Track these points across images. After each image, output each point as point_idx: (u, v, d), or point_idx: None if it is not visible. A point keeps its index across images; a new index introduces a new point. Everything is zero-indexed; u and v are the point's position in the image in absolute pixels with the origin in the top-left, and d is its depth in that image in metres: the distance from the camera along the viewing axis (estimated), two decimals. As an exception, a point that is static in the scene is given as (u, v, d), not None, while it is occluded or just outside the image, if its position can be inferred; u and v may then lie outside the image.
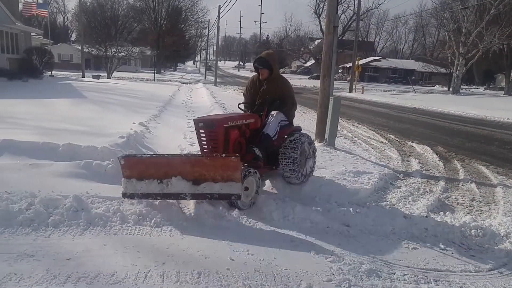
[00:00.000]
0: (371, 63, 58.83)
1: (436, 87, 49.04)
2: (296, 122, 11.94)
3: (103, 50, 32.47)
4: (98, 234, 3.42)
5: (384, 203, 4.88)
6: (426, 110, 19.16)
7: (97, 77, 26.42)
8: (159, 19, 54.98)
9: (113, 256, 3.05)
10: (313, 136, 8.29)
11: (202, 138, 4.47)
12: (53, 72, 23.94)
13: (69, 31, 72.34)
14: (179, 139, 7.87)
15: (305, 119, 12.67)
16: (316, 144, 7.63)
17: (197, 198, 3.84)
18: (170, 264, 2.99)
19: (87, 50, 32.87)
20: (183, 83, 31.68)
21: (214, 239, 3.46)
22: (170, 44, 50.87)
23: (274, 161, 4.85)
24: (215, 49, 46.36)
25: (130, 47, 37.30)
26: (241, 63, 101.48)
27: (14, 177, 4.37)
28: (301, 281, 2.90)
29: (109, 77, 28.78)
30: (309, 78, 56.88)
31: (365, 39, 72.48)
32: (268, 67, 4.94)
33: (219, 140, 4.35)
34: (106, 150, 5.29)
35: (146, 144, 6.86)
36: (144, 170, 3.96)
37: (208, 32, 53.05)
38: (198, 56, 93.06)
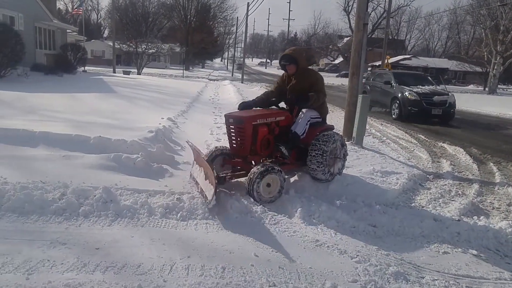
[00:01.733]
0: (401, 62, 57.13)
1: (471, 87, 47.11)
2: (324, 120, 11.88)
3: (133, 46, 33.13)
4: (126, 225, 3.50)
5: (413, 204, 4.75)
6: (459, 110, 18.32)
7: (128, 73, 26.99)
8: (189, 16, 55.59)
9: (139, 247, 3.10)
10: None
11: (231, 133, 4.59)
12: (86, 68, 24.65)
13: (101, 28, 74.33)
14: (206, 134, 7.95)
15: (332, 118, 12.47)
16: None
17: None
18: (195, 257, 3.02)
19: (119, 46, 33.62)
20: (210, 80, 31.93)
21: (238, 235, 3.47)
22: (199, 41, 51.37)
23: (303, 158, 4.82)
24: (242, 46, 46.51)
25: (159, 43, 37.87)
26: (268, 60, 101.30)
27: (48, 167, 4.53)
28: (325, 280, 2.86)
29: (139, 73, 29.37)
30: (337, 76, 56.11)
31: (396, 37, 70.68)
32: (294, 62, 4.84)
33: (246, 136, 4.44)
34: (135, 144, 5.40)
35: (174, 138, 6.96)
36: None
37: (236, 30, 53.30)
38: (226, 54, 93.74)
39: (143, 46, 32.43)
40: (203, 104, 13.48)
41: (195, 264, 2.92)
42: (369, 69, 59.26)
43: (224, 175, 4.47)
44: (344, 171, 5.40)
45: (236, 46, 64.93)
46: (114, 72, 27.74)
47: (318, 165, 4.68)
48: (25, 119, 6.73)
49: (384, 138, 9.14)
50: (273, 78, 43.96)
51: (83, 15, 32.57)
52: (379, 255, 3.35)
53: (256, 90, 21.47)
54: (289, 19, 75.93)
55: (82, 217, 3.56)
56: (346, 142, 7.38)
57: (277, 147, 4.66)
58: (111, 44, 32.41)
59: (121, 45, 34.31)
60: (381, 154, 6.93)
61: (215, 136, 7.85)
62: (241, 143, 4.50)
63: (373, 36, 50.94)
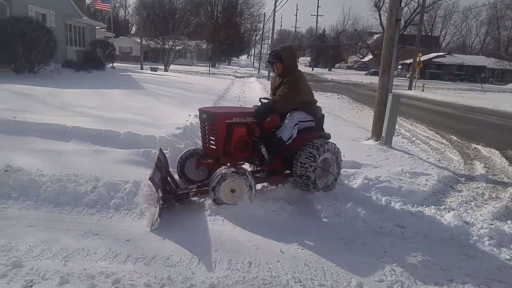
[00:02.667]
0: (434, 59, 55.34)
1: (510, 86, 45.04)
2: (352, 119, 11.73)
3: (160, 43, 33.64)
4: (155, 219, 3.59)
5: (443, 206, 4.64)
6: (496, 111, 17.70)
7: (155, 70, 27.46)
8: (215, 13, 55.96)
9: (169, 240, 3.18)
10: (369, 134, 8.09)
11: (204, 131, 4.25)
12: (114, 64, 25.25)
13: (129, 24, 75.80)
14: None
15: (360, 116, 12.36)
16: (372, 142, 7.44)
17: None
18: (222, 251, 3.07)
19: (146, 43, 34.19)
20: (236, 77, 32.08)
21: (265, 231, 3.50)
22: (225, 37, 51.63)
23: (290, 164, 4.41)
24: (269, 43, 46.39)
25: (186, 40, 38.30)
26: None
27: (80, 161, 4.69)
28: (351, 279, 2.86)
29: (166, 70, 29.81)
30: (366, 74, 55.19)
31: (429, 34, 68.71)
32: (280, 60, 4.38)
33: (219, 135, 4.06)
34: (163, 140, 5.51)
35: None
36: None
37: (263, 26, 53.22)
38: (252, 50, 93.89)
39: (170, 43, 32.86)
40: (229, 102, 13.56)
41: (222, 258, 2.98)
42: (399, 67, 57.99)
43: (186, 191, 4.02)
44: (372, 171, 5.34)
45: (263, 42, 64.82)
46: (142, 68, 28.27)
47: (301, 175, 4.25)
48: (57, 114, 6.98)
49: (414, 138, 8.95)
50: (298, 75, 43.70)
51: (111, 11, 33.25)
52: (407, 256, 3.30)
53: (281, 88, 21.44)
54: (317, 15, 74.72)
55: (113, 210, 3.69)
56: (375, 142, 7.36)
57: (257, 145, 4.19)
58: (139, 40, 33.02)
59: (148, 41, 34.90)
60: (410, 155, 6.80)
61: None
62: (213, 142, 4.12)
63: (405, 32, 49.53)
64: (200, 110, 4.26)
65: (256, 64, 59.40)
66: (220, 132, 4.06)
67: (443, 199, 4.89)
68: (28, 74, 13.85)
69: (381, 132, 7.40)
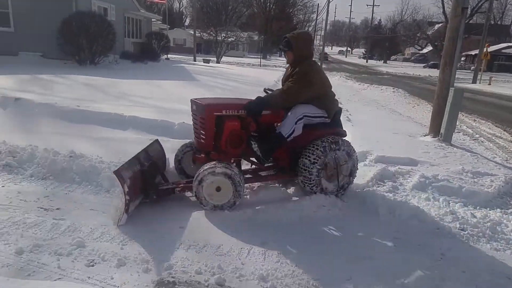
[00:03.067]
0: (504, 50, 50.73)
1: None
2: (408, 114, 11.21)
3: (213, 35, 34.17)
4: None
5: (510, 210, 4.29)
6: None
7: (207, 61, 27.98)
8: (268, 4, 55.78)
9: (219, 230, 3.22)
10: (426, 130, 7.69)
11: (194, 123, 4.03)
12: (169, 55, 26.02)
13: (183, 16, 77.76)
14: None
15: (417, 111, 11.80)
16: (429, 138, 7.06)
17: None
18: (271, 243, 3.06)
19: (199, 34, 34.88)
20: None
21: (314, 226, 3.44)
22: (278, 29, 51.30)
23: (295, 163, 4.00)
24: (322, 34, 45.50)
25: (238, 32, 38.59)
26: (348, 48, 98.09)
27: (137, 149, 4.86)
28: (405, 281, 2.72)
29: (218, 62, 30.30)
30: (424, 67, 52.43)
31: (499, 22, 63.71)
32: (291, 48, 3.93)
33: (207, 129, 3.78)
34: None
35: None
36: None
37: (317, 17, 52.27)
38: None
39: (222, 35, 33.28)
40: (280, 93, 13.50)
41: (272, 250, 2.96)
42: (462, 59, 54.22)
43: (171, 187, 3.78)
44: (429, 169, 5.06)
45: (316, 33, 63.67)
46: (195, 60, 28.93)
47: (304, 177, 3.87)
48: (115, 104, 7.33)
49: (477, 135, 8.37)
50: (354, 67, 42.60)
51: (166, 4, 34.26)
52: (468, 261, 3.09)
53: (335, 80, 20.99)
54: (373, 5, 72.00)
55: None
56: (432, 139, 6.97)
57: (249, 142, 3.83)
58: (192, 32, 33.75)
59: (201, 33, 35.55)
60: (473, 153, 6.35)
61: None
62: (202, 136, 3.85)
63: (470, 21, 46.14)
64: (191, 100, 3.99)
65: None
66: (208, 125, 3.76)
67: (511, 202, 4.52)
68: (90, 65, 14.65)
69: (440, 128, 6.99)
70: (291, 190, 4.21)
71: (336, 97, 4.19)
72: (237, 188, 3.52)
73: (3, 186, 3.76)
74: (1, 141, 4.69)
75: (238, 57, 44.89)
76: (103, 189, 3.90)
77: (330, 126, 4.06)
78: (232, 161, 4.03)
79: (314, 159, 3.80)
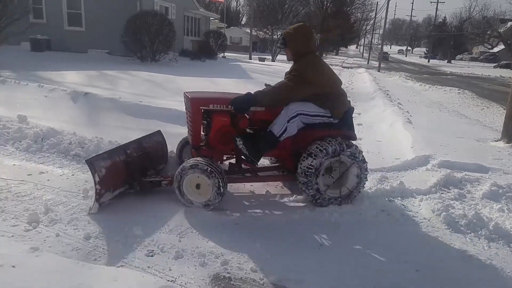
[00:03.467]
0: None
1: None
2: (476, 117, 10.47)
3: (269, 33, 34.24)
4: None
5: None
6: None
7: (263, 60, 28.11)
8: (325, 2, 54.87)
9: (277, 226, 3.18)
10: (498, 135, 7.14)
11: (187, 117, 3.93)
12: (225, 54, 26.46)
13: (240, 15, 78.76)
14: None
15: (487, 114, 11.00)
16: (502, 144, 6.53)
17: None
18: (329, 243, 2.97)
19: (255, 33, 35.13)
20: (344, 67, 31.14)
21: (369, 231, 3.31)
22: (334, 27, 50.41)
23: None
24: (381, 32, 43.94)
25: (294, 30, 38.31)
26: (408, 47, 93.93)
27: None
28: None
29: (273, 60, 30.32)
30: (494, 67, 48.78)
31: None
32: (286, 45, 3.67)
33: (194, 123, 3.68)
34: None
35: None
36: None
37: (375, 15, 50.60)
38: (362, 40, 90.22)
39: (278, 33, 33.25)
40: (336, 92, 13.22)
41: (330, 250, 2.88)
42: (537, 58, 49.66)
43: (158, 180, 3.67)
44: (502, 177, 4.67)
45: (374, 32, 61.70)
46: (250, 58, 29.13)
47: (299, 181, 3.60)
48: (175, 100, 7.54)
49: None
50: (414, 67, 40.73)
51: (224, 3, 34.89)
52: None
53: (395, 80, 20.18)
54: (437, 1, 68.37)
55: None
56: (506, 144, 6.42)
57: (234, 139, 3.56)
58: (248, 31, 34.04)
59: (257, 32, 35.76)
60: (552, 161, 5.77)
61: (356, 127, 7.63)
62: (190, 131, 3.76)
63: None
64: (184, 93, 3.90)
65: (366, 55, 56.97)
66: (194, 119, 3.65)
67: None
68: (151, 62, 15.29)
69: (514, 132, 6.44)
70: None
71: (343, 96, 3.76)
72: (216, 187, 3.34)
73: (72, 175, 4.01)
74: (71, 132, 5.01)
75: (293, 55, 44.56)
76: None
77: (336, 127, 3.66)
78: (224, 158, 3.95)
79: (311, 162, 3.50)
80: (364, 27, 73.99)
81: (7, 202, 3.24)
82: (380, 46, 38.49)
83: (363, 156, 3.70)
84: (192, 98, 3.66)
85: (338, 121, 3.64)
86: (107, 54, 16.23)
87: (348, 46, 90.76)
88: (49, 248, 2.64)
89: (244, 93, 3.58)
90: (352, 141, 3.72)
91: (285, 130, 3.49)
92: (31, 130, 4.91)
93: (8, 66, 10.25)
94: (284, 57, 33.57)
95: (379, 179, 4.49)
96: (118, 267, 2.54)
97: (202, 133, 3.85)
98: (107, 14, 15.94)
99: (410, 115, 8.36)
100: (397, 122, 7.55)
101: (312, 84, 3.50)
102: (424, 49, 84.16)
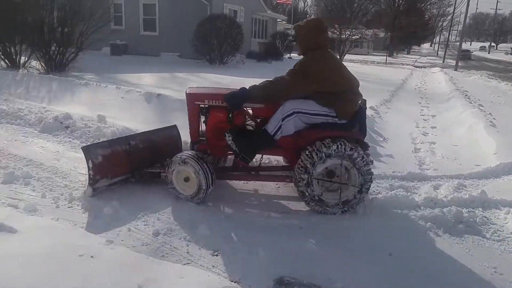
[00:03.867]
0: None
1: None
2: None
3: (337, 32, 33.52)
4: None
5: None
6: None
7: (330, 60, 27.51)
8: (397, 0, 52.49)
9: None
10: None
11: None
12: (291, 54, 26.40)
13: (307, 15, 78.11)
14: (410, 127, 7.36)
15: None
16: None
17: None
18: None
19: (323, 33, 34.57)
20: (416, 66, 29.51)
21: (453, 244, 3.05)
22: (406, 25, 47.99)
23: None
24: (460, 28, 40.89)
25: (363, 29, 37.17)
26: (492, 44, 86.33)
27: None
28: None
29: (341, 59, 29.63)
30: None
31: None
32: (296, 39, 3.51)
33: (190, 118, 3.72)
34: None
35: (376, 129, 6.67)
36: None
37: (454, 10, 47.26)
38: (437, 38, 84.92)
39: (347, 33, 32.45)
40: (408, 93, 12.57)
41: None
42: None
43: (157, 171, 3.74)
44: None
45: (451, 29, 57.53)
46: (317, 58, 28.71)
47: (297, 182, 3.39)
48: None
49: None
50: (498, 65, 37.37)
51: (292, 4, 34.78)
52: None
53: (475, 79, 18.69)
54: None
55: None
56: None
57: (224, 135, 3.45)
58: (316, 31, 33.61)
59: (326, 32, 35.15)
60: None
61: (421, 129, 7.19)
62: (189, 125, 3.78)
63: None
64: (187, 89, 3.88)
65: (441, 53, 53.47)
66: (191, 114, 3.70)
67: None
68: (219, 64, 15.73)
69: None
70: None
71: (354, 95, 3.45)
72: (201, 181, 3.34)
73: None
74: (145, 131, 5.28)
75: (361, 54, 43.17)
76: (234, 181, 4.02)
77: (343, 127, 3.37)
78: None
79: (304, 164, 3.30)
80: (440, 23, 69.51)
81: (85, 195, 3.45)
82: (458, 43, 35.83)
83: (367, 160, 3.34)
84: (188, 94, 3.71)
85: (347, 121, 3.37)
86: (178, 57, 17.01)
87: (421, 44, 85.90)
88: (122, 242, 2.78)
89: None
90: (364, 144, 3.45)
91: (279, 128, 3.33)
92: (108, 129, 5.27)
93: (91, 70, 11.17)
94: (353, 57, 32.95)
95: (455, 187, 4.14)
96: (184, 264, 2.60)
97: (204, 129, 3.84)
98: (179, 19, 16.73)
99: (494, 118, 7.65)
100: (478, 125, 6.95)
101: (314, 80, 3.27)
102: (511, 45, 76.84)
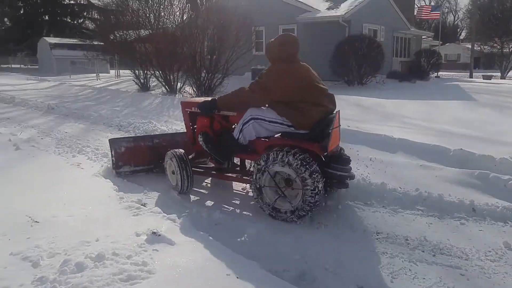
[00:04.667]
0: None
1: None
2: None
3: (498, 46, 29.45)
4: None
5: None
6: None
7: (488, 78, 24.31)
8: None
9: None
10: None
11: None
12: (439, 73, 24.16)
13: (458, 29, 70.81)
14: None
15: None
16: None
17: None
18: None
19: (478, 48, 30.89)
20: None
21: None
22: None
23: None
24: None
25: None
26: None
27: (405, 173, 4.60)
28: None
29: (503, 77, 25.87)
30: None
31: None
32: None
33: (185, 124, 4.51)
34: (505, 162, 4.62)
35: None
36: None
37: None
38: None
39: (510, 46, 28.25)
40: None
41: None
42: None
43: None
44: None
45: None
46: (471, 77, 25.72)
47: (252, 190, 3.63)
48: (384, 125, 7.25)
49: None
50: None
51: (440, 19, 31.89)
52: None
53: None
54: None
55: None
56: None
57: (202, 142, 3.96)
58: (468, 46, 30.25)
59: (481, 46, 31.36)
60: None
61: None
62: (185, 129, 4.59)
63: None
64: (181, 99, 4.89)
65: None
66: (184, 120, 4.45)
67: None
68: (357, 85, 15.39)
69: None
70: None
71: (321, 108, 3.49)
72: (180, 176, 3.87)
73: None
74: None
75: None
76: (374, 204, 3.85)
77: (300, 137, 3.45)
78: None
79: (254, 169, 3.58)
80: None
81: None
82: None
83: (313, 169, 3.25)
84: (181, 102, 4.57)
85: (308, 132, 3.42)
86: (315, 80, 17.21)
87: None
88: (267, 264, 2.80)
89: None
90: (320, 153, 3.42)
91: (240, 133, 3.67)
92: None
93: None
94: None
95: None
96: None
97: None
98: (317, 41, 16.95)
99: None
100: None
101: (269, 90, 3.49)
102: None
